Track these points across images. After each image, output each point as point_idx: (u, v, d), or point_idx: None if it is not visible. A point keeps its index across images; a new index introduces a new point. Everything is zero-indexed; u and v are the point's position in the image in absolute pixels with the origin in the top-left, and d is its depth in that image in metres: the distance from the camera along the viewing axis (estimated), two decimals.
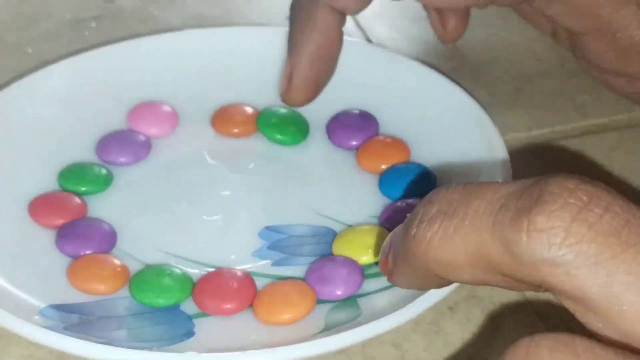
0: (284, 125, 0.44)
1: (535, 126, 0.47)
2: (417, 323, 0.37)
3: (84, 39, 0.52)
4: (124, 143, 0.43)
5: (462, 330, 0.37)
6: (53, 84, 0.45)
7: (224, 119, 0.45)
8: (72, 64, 0.46)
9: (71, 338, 0.33)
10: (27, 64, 0.49)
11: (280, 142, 0.44)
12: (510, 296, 0.38)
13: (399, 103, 0.45)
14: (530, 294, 0.38)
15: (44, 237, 0.39)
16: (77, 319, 0.36)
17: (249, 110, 0.45)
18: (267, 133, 0.44)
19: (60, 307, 0.36)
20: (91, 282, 0.37)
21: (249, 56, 0.47)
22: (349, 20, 0.53)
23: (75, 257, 0.38)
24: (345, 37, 0.49)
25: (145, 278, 0.37)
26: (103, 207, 0.41)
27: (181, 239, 0.40)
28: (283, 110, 0.45)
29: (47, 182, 0.42)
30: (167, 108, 0.45)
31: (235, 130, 0.45)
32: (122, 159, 0.43)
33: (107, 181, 0.42)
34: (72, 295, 0.37)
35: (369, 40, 0.52)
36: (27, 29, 0.53)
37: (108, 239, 0.39)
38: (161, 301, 0.36)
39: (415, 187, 0.41)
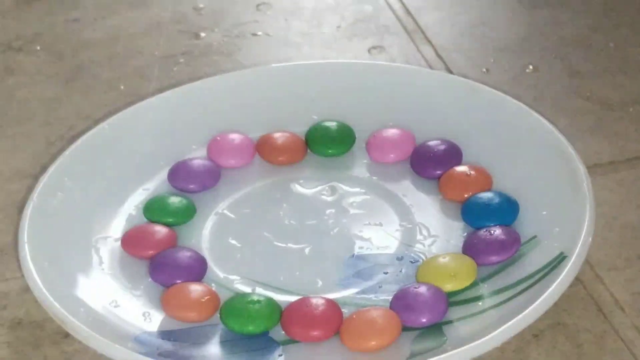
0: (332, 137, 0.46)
1: (618, 154, 0.47)
2: (502, 350, 0.38)
3: (172, 74, 0.54)
4: (193, 171, 0.45)
5: (547, 357, 0.37)
6: (140, 120, 0.47)
7: (272, 147, 0.46)
8: (161, 100, 0.48)
9: None
10: (121, 100, 0.51)
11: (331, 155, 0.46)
12: (596, 323, 0.38)
13: (481, 133, 0.46)
14: (617, 321, 0.38)
15: (137, 268, 0.41)
16: (170, 346, 0.37)
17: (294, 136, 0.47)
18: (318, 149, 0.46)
19: (154, 335, 0.37)
20: (183, 310, 0.38)
21: (331, 89, 0.49)
22: (429, 50, 0.54)
23: (168, 286, 0.40)
24: (427, 69, 0.50)
25: (235, 306, 0.38)
26: (191, 236, 0.42)
27: (268, 267, 0.41)
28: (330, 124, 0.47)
29: (134, 215, 0.43)
30: (246, 139, 0.47)
31: (282, 159, 0.46)
32: (191, 187, 0.44)
33: (192, 211, 0.43)
34: (166, 323, 0.38)
35: (449, 71, 0.53)
36: (120, 66, 0.55)
37: (198, 267, 0.40)
38: (251, 328, 0.37)
39: (498, 215, 0.42)
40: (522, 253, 0.40)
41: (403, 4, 0.58)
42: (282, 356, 0.37)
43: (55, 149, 0.48)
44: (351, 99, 0.48)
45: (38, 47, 0.56)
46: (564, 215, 0.40)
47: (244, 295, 0.39)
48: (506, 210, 0.42)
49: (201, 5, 0.60)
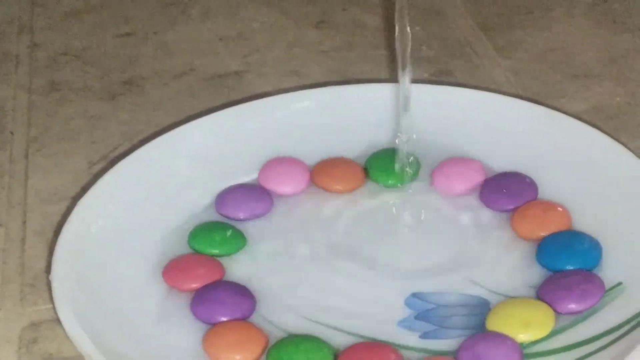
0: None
1: None
2: None
3: (223, 94, 0.51)
4: (243, 198, 0.42)
5: None
6: (188, 142, 0.44)
7: (328, 174, 0.43)
8: (210, 121, 0.45)
9: None
10: (169, 119, 0.48)
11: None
12: None
13: (559, 165, 0.42)
14: None
15: (180, 302, 0.37)
16: None
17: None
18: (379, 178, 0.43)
19: None
20: (227, 351, 0.35)
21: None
22: (500, 73, 0.51)
23: (212, 324, 0.36)
24: (499, 94, 0.46)
25: (283, 349, 0.35)
26: (239, 269, 0.39)
27: (323, 305, 0.37)
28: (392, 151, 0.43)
29: (178, 244, 0.40)
30: (300, 165, 0.43)
31: (339, 187, 0.43)
32: (241, 215, 0.41)
33: (240, 242, 0.40)
34: None
35: (521, 97, 0.49)
36: (170, 84, 0.52)
37: (246, 304, 0.37)
38: None
39: (579, 258, 0.38)
40: (606, 302, 0.36)
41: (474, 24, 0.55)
42: None
43: (97, 170, 0.45)
44: (416, 125, 0.45)
45: (85, 62, 0.54)
46: None
47: (293, 337, 0.35)
48: (588, 252, 0.38)
49: (256, 25, 0.57)
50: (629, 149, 0.41)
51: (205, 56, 0.54)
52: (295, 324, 0.36)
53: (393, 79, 0.48)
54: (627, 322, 0.35)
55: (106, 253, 0.39)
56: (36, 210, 0.44)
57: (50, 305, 0.38)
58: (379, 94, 0.46)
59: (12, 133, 0.49)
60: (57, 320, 0.37)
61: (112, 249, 0.39)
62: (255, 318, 0.37)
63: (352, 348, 0.35)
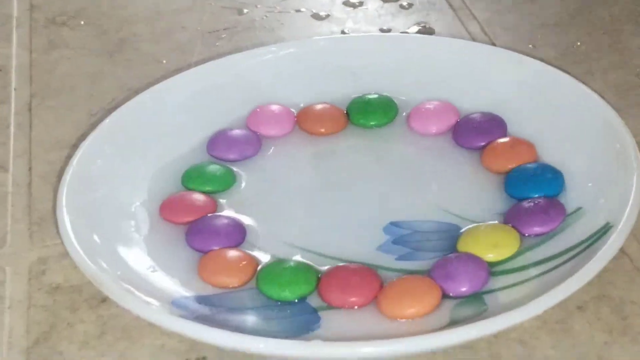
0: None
1: None
2: (545, 322, 0.37)
3: (214, 49, 0.53)
4: (233, 141, 0.45)
5: (591, 329, 0.36)
6: (179, 91, 0.46)
7: (313, 118, 0.46)
8: (200, 72, 0.47)
9: (203, 326, 0.34)
10: (162, 73, 0.51)
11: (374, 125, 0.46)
12: None
13: (526, 105, 0.45)
14: None
15: (175, 235, 0.41)
16: (207, 311, 0.37)
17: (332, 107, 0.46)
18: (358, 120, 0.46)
19: (190, 299, 0.37)
20: (220, 275, 0.38)
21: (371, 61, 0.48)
22: (475, 25, 0.54)
23: (205, 252, 0.39)
24: (471, 41, 0.49)
25: (271, 272, 0.38)
26: (230, 204, 0.42)
27: (307, 233, 0.40)
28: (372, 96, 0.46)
29: (172, 183, 0.43)
30: (286, 110, 0.46)
31: (322, 130, 0.46)
32: (231, 156, 0.44)
33: (231, 179, 0.43)
34: (203, 288, 0.38)
35: (494, 45, 0.52)
36: (162, 41, 0.55)
37: (236, 233, 0.40)
38: (286, 294, 0.37)
39: (543, 186, 0.41)
40: (567, 224, 0.39)
41: None
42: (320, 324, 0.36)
43: (96, 120, 0.48)
44: (394, 72, 0.48)
45: (82, 22, 0.57)
46: (610, 187, 0.39)
47: (280, 261, 0.38)
48: (551, 181, 0.41)
49: None
50: (591, 88, 0.44)
51: (196, 15, 0.57)
52: (282, 251, 0.39)
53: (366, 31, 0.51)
54: (585, 240, 0.37)
55: (106, 192, 0.41)
56: (40, 158, 0.47)
57: (57, 242, 0.41)
58: (360, 43, 0.49)
59: (15, 89, 0.52)
60: (63, 255, 0.40)
61: (112, 188, 0.42)
62: (245, 246, 0.40)
63: (334, 269, 0.38)
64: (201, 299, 0.37)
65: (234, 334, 0.33)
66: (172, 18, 0.57)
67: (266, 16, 0.56)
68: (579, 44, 0.52)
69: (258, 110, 0.46)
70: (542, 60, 0.48)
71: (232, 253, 0.39)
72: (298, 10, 0.57)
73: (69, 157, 0.45)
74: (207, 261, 0.38)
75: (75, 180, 0.41)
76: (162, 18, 0.57)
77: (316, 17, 0.56)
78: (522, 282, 0.37)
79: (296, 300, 0.37)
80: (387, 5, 0.56)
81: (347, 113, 0.47)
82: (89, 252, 0.37)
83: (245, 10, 0.57)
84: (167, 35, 0.55)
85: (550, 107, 0.44)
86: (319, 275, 0.38)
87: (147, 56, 0.54)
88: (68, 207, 0.39)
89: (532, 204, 0.40)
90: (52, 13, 0.57)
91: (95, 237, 0.39)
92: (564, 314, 0.37)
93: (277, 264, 0.38)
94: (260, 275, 0.38)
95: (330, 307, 0.37)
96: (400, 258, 0.39)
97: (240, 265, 0.38)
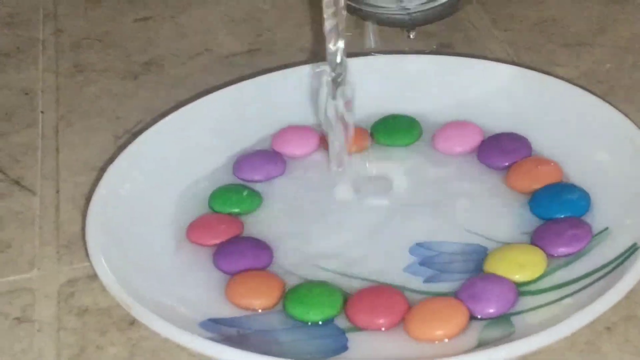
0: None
1: None
2: (573, 343, 0.37)
3: (237, 71, 0.54)
4: (259, 162, 0.45)
5: (619, 351, 0.36)
6: (205, 113, 0.47)
7: None
8: (225, 94, 0.48)
9: (230, 348, 0.34)
10: (187, 95, 0.51)
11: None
12: None
13: (551, 125, 0.45)
14: None
15: (203, 257, 0.41)
16: (234, 333, 0.37)
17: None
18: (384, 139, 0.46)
19: (218, 321, 0.37)
20: (248, 297, 0.38)
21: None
22: (497, 44, 0.54)
23: (232, 274, 0.39)
24: (494, 61, 0.49)
25: (297, 294, 0.38)
26: (256, 225, 0.42)
27: (334, 253, 0.40)
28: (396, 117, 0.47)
29: (199, 205, 0.43)
30: (310, 130, 0.47)
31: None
32: (257, 177, 0.44)
33: (257, 201, 0.43)
34: (230, 311, 0.38)
35: (517, 65, 0.52)
36: (187, 63, 0.55)
37: (264, 255, 0.40)
38: (311, 316, 0.37)
39: (569, 207, 0.41)
40: (594, 245, 0.39)
41: None
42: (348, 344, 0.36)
43: (122, 142, 0.49)
44: (418, 92, 0.48)
45: (107, 46, 0.57)
46: (637, 207, 0.39)
47: (307, 283, 0.39)
48: (577, 201, 0.41)
49: (266, 7, 0.60)
50: (615, 108, 0.44)
51: (219, 37, 0.57)
52: (310, 272, 0.39)
53: (397, 51, 0.52)
54: (613, 261, 0.37)
55: (134, 214, 0.42)
56: (68, 181, 0.47)
57: (85, 264, 0.42)
58: (384, 64, 0.49)
59: (42, 112, 0.52)
60: (92, 277, 0.40)
61: (139, 210, 0.42)
62: (272, 268, 0.40)
63: (361, 291, 0.38)
64: (229, 321, 0.37)
65: (260, 357, 0.34)
66: (196, 40, 0.57)
67: (289, 36, 0.57)
68: (602, 63, 0.52)
69: (283, 131, 0.47)
70: (565, 79, 0.48)
71: (260, 275, 0.39)
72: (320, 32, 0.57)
73: (96, 180, 0.45)
74: (235, 283, 0.39)
75: (103, 203, 0.41)
76: (186, 40, 0.57)
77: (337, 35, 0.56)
78: (549, 303, 0.37)
79: (321, 322, 0.37)
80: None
81: (371, 133, 0.47)
82: (118, 274, 0.38)
83: (266, 32, 0.57)
84: (191, 58, 0.56)
85: (575, 126, 0.45)
86: (347, 297, 0.38)
87: (172, 78, 0.54)
88: (96, 230, 0.40)
89: (558, 224, 0.40)
90: (78, 37, 0.58)
91: (124, 260, 0.39)
92: (592, 335, 0.37)
93: (304, 285, 0.38)
94: (287, 297, 0.38)
95: (357, 328, 0.37)
96: (428, 280, 0.39)
97: (268, 287, 0.38)
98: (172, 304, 0.38)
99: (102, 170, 0.46)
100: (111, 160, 0.45)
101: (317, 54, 0.55)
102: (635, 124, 0.43)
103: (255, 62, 0.55)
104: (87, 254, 0.39)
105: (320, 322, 0.37)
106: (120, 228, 0.41)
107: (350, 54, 0.53)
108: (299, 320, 0.37)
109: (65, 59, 0.56)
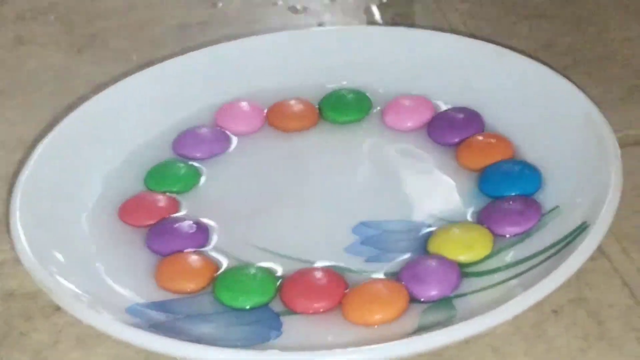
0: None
1: None
2: (518, 327, 0.35)
3: (187, 43, 0.52)
4: (201, 138, 0.43)
5: (567, 334, 0.35)
6: (144, 87, 0.45)
7: (283, 114, 0.44)
8: (167, 67, 0.46)
9: (153, 335, 0.32)
10: (132, 69, 0.49)
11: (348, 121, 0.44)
12: (620, 299, 0.36)
13: (505, 100, 0.43)
14: None
15: (136, 238, 0.39)
16: (163, 318, 0.35)
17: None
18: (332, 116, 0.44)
19: (146, 306, 0.35)
20: (177, 280, 0.36)
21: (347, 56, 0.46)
22: (454, 14, 0.52)
23: (166, 256, 0.38)
24: (447, 33, 0.48)
25: (228, 278, 0.36)
26: (194, 204, 0.40)
27: (274, 234, 0.39)
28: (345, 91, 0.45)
29: (133, 184, 0.41)
30: (256, 106, 0.45)
31: (293, 126, 0.44)
32: (198, 154, 0.42)
33: (195, 179, 0.41)
34: (159, 294, 0.36)
35: (473, 37, 0.50)
36: (134, 36, 0.53)
37: (199, 236, 0.38)
38: (240, 302, 0.35)
39: (519, 185, 0.39)
40: (543, 224, 0.37)
41: None
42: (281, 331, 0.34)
43: (59, 118, 0.47)
44: (368, 65, 0.46)
45: (52, 17, 0.55)
46: (589, 185, 0.38)
47: (239, 267, 0.37)
48: (527, 179, 0.39)
49: None
50: (572, 82, 0.43)
51: (169, 8, 0.55)
52: (247, 254, 0.38)
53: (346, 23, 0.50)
54: (561, 240, 0.36)
55: (63, 194, 0.40)
56: (1, 157, 0.45)
57: (10, 246, 0.40)
58: (332, 36, 0.47)
59: None
60: (19, 260, 0.38)
61: (69, 190, 0.40)
62: (208, 249, 0.38)
63: (297, 273, 0.36)
64: (157, 306, 0.35)
65: (187, 344, 0.32)
66: (144, 12, 0.55)
67: (242, 9, 0.55)
68: (563, 35, 0.50)
69: (227, 106, 0.45)
70: (524, 53, 0.46)
71: (190, 256, 0.37)
72: (274, 4, 0.55)
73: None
74: (164, 265, 0.37)
75: (30, 183, 0.39)
76: (133, 12, 0.55)
77: (292, 10, 0.54)
78: (494, 285, 0.35)
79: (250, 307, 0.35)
80: None
81: (319, 109, 0.45)
82: (41, 257, 0.36)
83: (219, 4, 0.55)
84: (138, 30, 0.53)
85: (530, 101, 0.43)
86: (282, 280, 0.36)
87: (117, 52, 0.52)
88: (21, 211, 0.38)
89: (506, 202, 0.38)
90: (22, 8, 0.56)
91: (49, 242, 0.37)
92: (538, 318, 0.35)
93: (236, 269, 0.36)
94: (217, 281, 0.36)
95: (293, 312, 0.35)
96: (369, 260, 0.37)
97: (199, 269, 0.36)
98: (98, 289, 0.36)
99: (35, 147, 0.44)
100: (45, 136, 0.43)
101: (272, 26, 0.53)
102: (592, 98, 0.41)
103: (207, 35, 0.53)
104: (10, 236, 0.37)
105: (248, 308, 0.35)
106: (47, 208, 0.39)
107: (299, 25, 0.51)
108: (227, 306, 0.35)
109: (7, 30, 0.54)
